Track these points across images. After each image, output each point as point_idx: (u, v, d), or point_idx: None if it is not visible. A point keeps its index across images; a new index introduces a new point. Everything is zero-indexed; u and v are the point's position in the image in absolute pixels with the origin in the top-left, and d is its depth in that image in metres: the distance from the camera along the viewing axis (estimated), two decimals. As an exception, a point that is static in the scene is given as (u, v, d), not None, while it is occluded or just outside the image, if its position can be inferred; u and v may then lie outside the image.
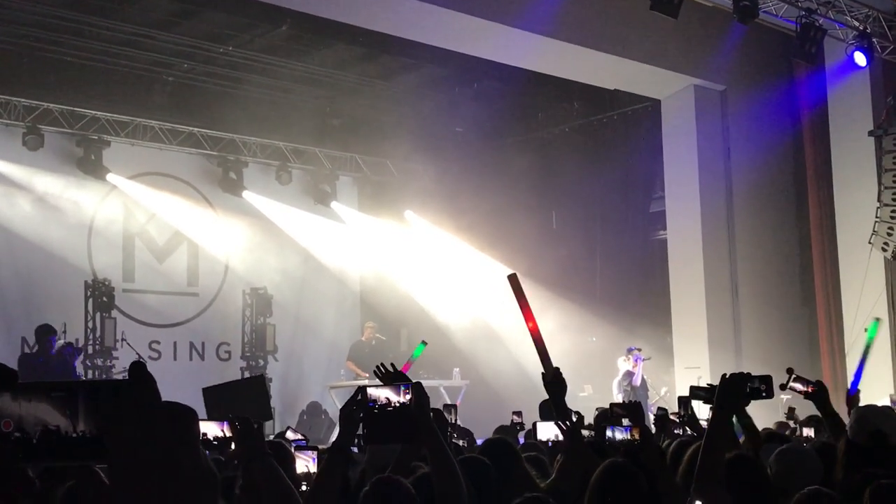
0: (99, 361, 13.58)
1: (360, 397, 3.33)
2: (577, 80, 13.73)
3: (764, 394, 4.01)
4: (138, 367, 1.23)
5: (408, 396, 3.32)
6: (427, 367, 14.34)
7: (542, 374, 4.70)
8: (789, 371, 5.97)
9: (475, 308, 15.83)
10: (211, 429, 4.38)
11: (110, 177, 14.77)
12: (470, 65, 13.49)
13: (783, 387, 6.28)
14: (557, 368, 4.68)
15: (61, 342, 12.19)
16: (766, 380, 4.02)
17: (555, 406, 4.67)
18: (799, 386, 5.81)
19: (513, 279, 4.95)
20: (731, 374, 3.52)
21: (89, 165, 14.60)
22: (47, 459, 1.22)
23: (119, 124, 14.77)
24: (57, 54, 13.67)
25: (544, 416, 6.55)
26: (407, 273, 16.66)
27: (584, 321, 14.72)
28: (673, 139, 14.04)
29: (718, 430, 3.40)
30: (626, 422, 4.95)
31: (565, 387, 4.65)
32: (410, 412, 3.29)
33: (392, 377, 3.83)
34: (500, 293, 15.59)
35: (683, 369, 13.37)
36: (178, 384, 13.91)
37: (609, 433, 4.83)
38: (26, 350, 13.31)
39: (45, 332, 11.71)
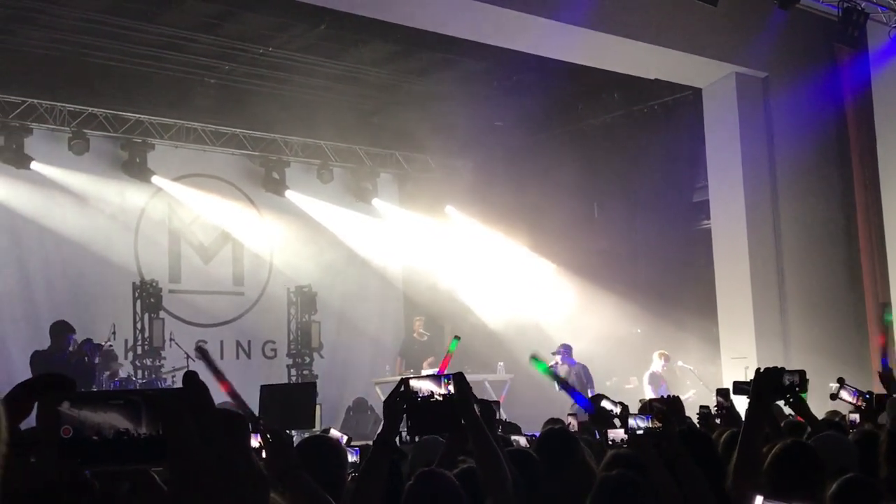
0: (148, 361, 13.76)
1: (402, 389, 3.36)
2: (617, 70, 13.64)
3: (798, 388, 4.02)
4: (192, 376, 1.28)
5: (450, 387, 3.34)
6: (471, 362, 14.35)
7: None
8: (840, 381, 5.94)
9: (518, 302, 15.82)
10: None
11: (155, 179, 14.97)
12: (508, 58, 13.46)
13: (833, 397, 6.24)
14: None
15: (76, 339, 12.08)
16: (800, 374, 4.03)
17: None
18: (848, 398, 5.77)
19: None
20: (766, 368, 3.54)
21: (134, 168, 14.81)
22: (107, 463, 1.27)
23: (163, 127, 14.96)
24: (100, 59, 13.85)
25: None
26: (449, 268, 16.68)
27: (628, 313, 14.65)
28: (715, 127, 13.91)
29: (755, 423, 3.41)
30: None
31: None
32: (454, 403, 3.31)
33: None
34: (543, 286, 15.65)
35: (730, 360, 13.26)
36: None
37: (632, 422, 4.85)
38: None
39: (62, 330, 11.69)
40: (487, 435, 3.35)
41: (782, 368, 3.72)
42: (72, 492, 1.28)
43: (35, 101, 13.75)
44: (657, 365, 13.19)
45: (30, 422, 1.28)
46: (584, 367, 13.31)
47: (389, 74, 15.18)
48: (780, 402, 5.15)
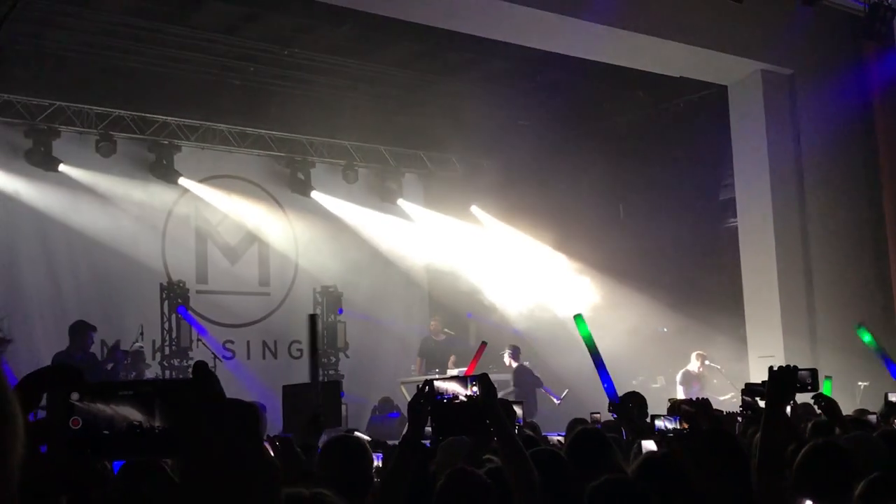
0: (175, 362, 13.86)
1: (427, 390, 3.38)
2: (642, 68, 13.60)
3: (810, 387, 4.03)
4: (202, 366, 1.28)
5: (475, 389, 3.35)
6: (496, 362, 14.35)
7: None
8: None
9: (543, 301, 15.80)
10: None
11: (182, 180, 15.07)
12: (532, 57, 13.44)
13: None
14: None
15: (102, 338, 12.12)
16: (813, 373, 4.04)
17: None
18: None
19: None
20: (780, 368, 3.53)
21: (161, 170, 14.91)
22: (117, 454, 1.27)
23: (189, 129, 15.05)
24: (127, 62, 13.97)
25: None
26: (474, 268, 16.69)
27: (654, 312, 14.61)
28: (741, 125, 13.84)
29: (773, 424, 3.40)
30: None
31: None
32: (478, 404, 3.33)
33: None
34: (568, 285, 15.62)
35: (757, 358, 13.18)
36: (252, 382, 14.28)
37: (660, 424, 4.83)
38: (104, 353, 13.68)
39: (82, 329, 11.76)
40: (513, 435, 3.37)
41: (796, 367, 3.71)
42: (83, 484, 1.29)
43: (62, 103, 13.88)
44: (693, 365, 13.13)
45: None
46: (527, 368, 13.94)
47: (414, 74, 15.20)
48: (805, 400, 5.14)
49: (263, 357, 15.79)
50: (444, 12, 11.67)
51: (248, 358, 15.60)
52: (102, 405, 1.26)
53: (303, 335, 15.80)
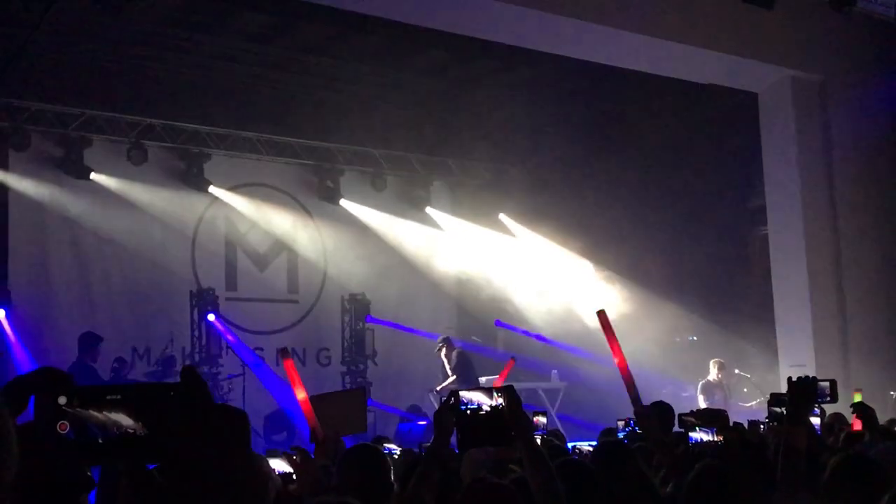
0: (206, 369, 13.95)
1: (452, 401, 3.38)
2: (671, 75, 13.53)
3: (829, 398, 4.03)
4: (190, 372, 1.29)
5: (500, 400, 3.35)
6: (525, 370, 14.34)
7: (635, 412, 4.70)
8: None
9: (572, 309, 15.74)
10: (276, 464, 4.25)
11: (211, 188, 15.18)
12: (559, 65, 13.42)
13: None
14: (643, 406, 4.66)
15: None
16: (832, 384, 4.04)
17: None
18: None
19: (601, 315, 4.98)
20: (799, 378, 3.53)
21: (191, 178, 15.04)
22: (104, 458, 1.28)
23: (219, 137, 15.16)
24: (158, 71, 14.10)
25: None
26: (502, 275, 16.67)
27: (683, 321, 14.53)
28: (771, 132, 13.71)
29: (794, 434, 3.39)
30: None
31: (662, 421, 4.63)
32: (503, 415, 3.32)
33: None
34: (596, 293, 15.56)
35: (788, 368, 13.06)
36: (280, 390, 14.33)
37: (695, 436, 4.80)
38: (136, 358, 13.84)
39: (90, 340, 11.88)
40: (538, 446, 3.36)
41: (815, 378, 3.72)
42: (71, 486, 1.30)
43: (94, 112, 14.03)
44: (712, 374, 13.04)
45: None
46: (461, 352, 14.24)
47: (441, 82, 15.23)
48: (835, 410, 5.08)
49: (292, 364, 15.82)
50: (471, 21, 11.67)
51: (277, 365, 15.65)
52: (95, 412, 1.27)
53: (331, 343, 15.88)
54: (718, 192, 15.12)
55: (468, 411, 3.36)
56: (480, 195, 17.36)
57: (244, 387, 14.14)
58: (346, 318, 15.67)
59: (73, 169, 14.02)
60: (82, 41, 13.23)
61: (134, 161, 14.45)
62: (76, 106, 13.89)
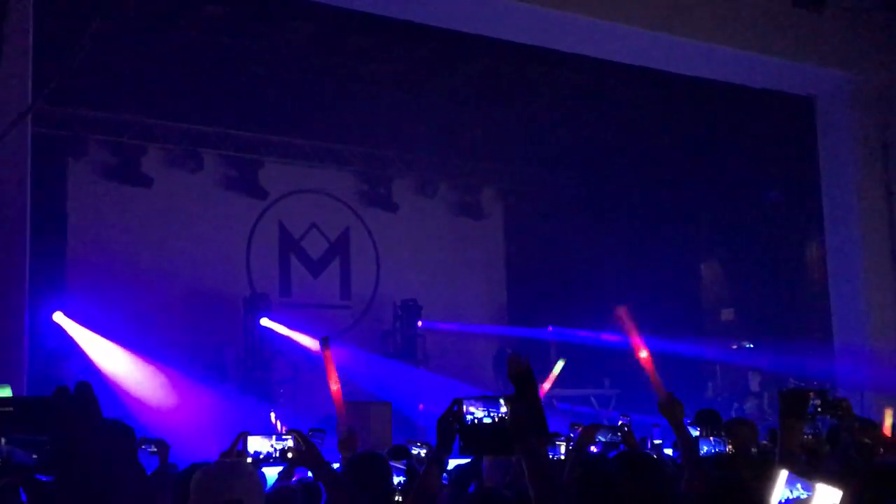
0: (258, 374, 14.12)
1: (456, 409, 3.36)
2: (724, 80, 13.29)
3: (820, 409, 4.02)
4: (84, 387, 1.30)
5: (504, 410, 3.32)
6: (577, 376, 14.26)
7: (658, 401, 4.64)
8: None
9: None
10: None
11: (265, 196, 15.35)
12: (607, 71, 13.29)
13: None
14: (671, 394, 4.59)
15: None
16: (822, 395, 4.04)
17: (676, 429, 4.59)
18: None
19: (621, 311, 4.98)
20: (790, 390, 3.54)
21: (246, 185, 15.23)
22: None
23: (273, 145, 15.34)
24: (213, 80, 14.28)
25: None
26: (554, 279, 16.57)
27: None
28: (829, 138, 13.42)
29: (789, 448, 3.45)
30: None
31: (681, 409, 4.55)
32: (506, 425, 3.29)
33: (522, 377, 3.77)
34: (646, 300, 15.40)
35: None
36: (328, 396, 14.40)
37: (709, 447, 4.72)
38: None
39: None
40: (539, 458, 3.32)
41: (807, 389, 3.76)
42: None
43: (150, 120, 14.28)
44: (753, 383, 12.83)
45: None
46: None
47: (492, 89, 15.19)
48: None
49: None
50: (520, 28, 11.61)
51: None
52: None
53: (383, 349, 15.94)
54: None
55: (471, 419, 3.34)
56: (531, 201, 17.30)
57: (295, 391, 14.27)
58: (398, 324, 15.73)
59: (129, 177, 14.29)
60: (138, 49, 13.45)
61: (189, 169, 14.68)
62: (132, 114, 14.14)
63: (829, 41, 12.52)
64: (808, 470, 3.61)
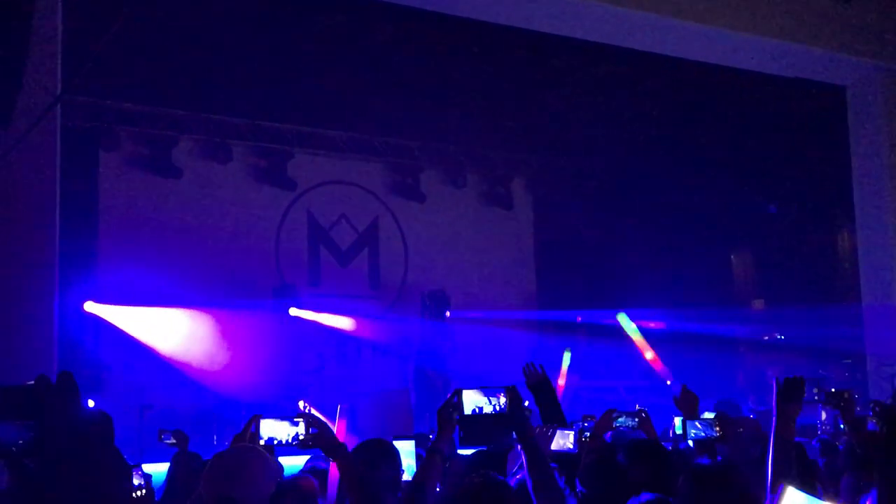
0: (286, 364, 14.22)
1: (456, 400, 3.38)
2: (755, 69, 13.17)
3: (816, 397, 4.01)
4: (66, 377, 1.34)
5: (503, 401, 3.35)
6: (602, 369, 14.22)
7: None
8: None
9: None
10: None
11: (294, 187, 15.43)
12: (638, 60, 13.20)
13: None
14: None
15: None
16: (819, 383, 4.03)
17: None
18: None
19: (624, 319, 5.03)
20: (786, 379, 3.52)
21: (275, 176, 15.31)
22: None
23: (302, 136, 15.40)
24: (243, 71, 14.34)
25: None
26: (583, 270, 16.52)
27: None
28: (861, 127, 13.28)
29: (782, 433, 3.45)
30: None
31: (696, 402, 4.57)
32: (505, 416, 3.32)
33: (539, 385, 3.86)
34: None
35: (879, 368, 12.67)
36: (360, 384, 14.50)
37: (697, 432, 4.74)
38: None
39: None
40: (537, 448, 3.34)
41: (803, 378, 3.75)
42: None
43: (181, 112, 14.38)
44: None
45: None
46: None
47: (520, 80, 15.13)
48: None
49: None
50: (550, 18, 11.59)
51: (359, 358, 15.86)
52: None
53: (411, 339, 15.98)
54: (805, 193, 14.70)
55: (471, 410, 3.37)
56: (561, 193, 17.24)
57: (322, 380, 14.36)
58: (426, 315, 15.75)
59: (160, 168, 14.41)
60: (168, 41, 13.53)
61: (219, 160, 14.79)
62: (162, 106, 14.25)
63: (861, 31, 12.38)
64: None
